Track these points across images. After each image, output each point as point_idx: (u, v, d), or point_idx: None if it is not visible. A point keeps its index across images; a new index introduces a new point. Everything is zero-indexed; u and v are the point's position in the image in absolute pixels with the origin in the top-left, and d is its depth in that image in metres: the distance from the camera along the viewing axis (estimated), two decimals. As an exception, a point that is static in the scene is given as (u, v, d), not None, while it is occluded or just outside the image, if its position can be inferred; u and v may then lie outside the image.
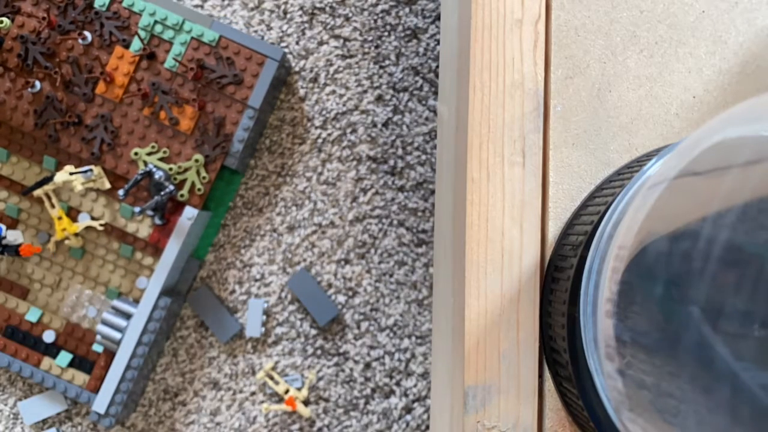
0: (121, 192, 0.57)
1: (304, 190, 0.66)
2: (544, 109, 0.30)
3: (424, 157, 0.67)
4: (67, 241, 0.61)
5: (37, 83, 0.60)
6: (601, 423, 0.26)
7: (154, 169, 0.58)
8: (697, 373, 0.20)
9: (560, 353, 0.27)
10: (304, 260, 0.66)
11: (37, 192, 0.60)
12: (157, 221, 0.60)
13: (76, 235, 0.61)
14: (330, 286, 0.66)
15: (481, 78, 0.30)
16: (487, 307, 0.29)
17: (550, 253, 0.30)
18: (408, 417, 0.67)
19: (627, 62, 0.31)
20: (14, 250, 0.60)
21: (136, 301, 0.62)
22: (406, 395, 0.67)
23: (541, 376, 0.30)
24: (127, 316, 0.60)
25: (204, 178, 0.61)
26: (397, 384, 0.66)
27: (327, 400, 0.67)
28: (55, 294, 0.63)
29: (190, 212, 0.60)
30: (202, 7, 0.67)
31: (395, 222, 0.67)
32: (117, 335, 0.60)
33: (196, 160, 0.60)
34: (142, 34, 0.61)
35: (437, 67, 0.67)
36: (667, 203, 0.23)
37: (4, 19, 0.58)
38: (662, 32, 0.31)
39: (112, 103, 0.61)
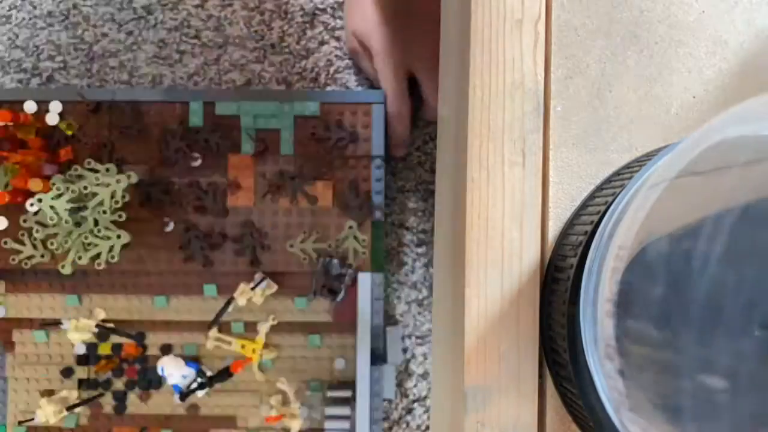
0: (310, 295, 0.58)
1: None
2: (544, 109, 0.30)
3: (424, 157, 0.67)
4: (266, 356, 0.60)
5: (171, 223, 0.60)
6: (601, 423, 0.26)
7: (328, 261, 0.58)
8: (697, 374, 0.20)
9: (560, 353, 0.27)
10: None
11: (210, 344, 0.60)
12: (337, 299, 0.60)
13: (266, 347, 0.61)
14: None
15: (481, 78, 0.30)
16: (487, 307, 0.29)
17: (550, 253, 0.30)
18: (408, 417, 0.67)
19: (627, 62, 0.31)
20: (225, 373, 0.60)
21: (342, 383, 0.60)
22: (406, 395, 0.67)
23: (541, 376, 0.30)
24: (345, 400, 0.59)
25: (363, 240, 0.60)
26: (398, 384, 0.66)
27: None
28: (261, 410, 0.61)
29: (365, 278, 0.59)
30: (202, 7, 0.67)
31: (395, 222, 0.67)
32: (346, 425, 0.59)
33: (350, 227, 0.60)
34: (248, 134, 0.60)
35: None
36: (667, 203, 0.23)
37: (130, 173, 0.57)
38: (662, 32, 0.31)
39: (248, 209, 0.60)
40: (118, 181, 0.55)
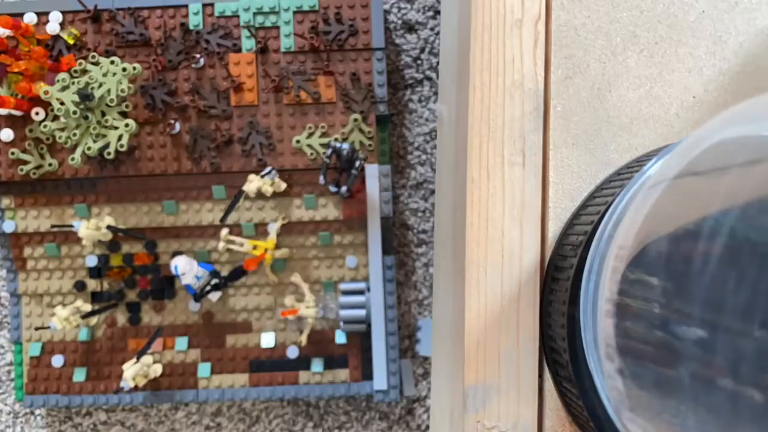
0: (321, 180, 0.57)
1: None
2: (544, 109, 0.30)
3: (424, 157, 0.67)
4: (278, 255, 0.60)
5: (176, 124, 0.60)
6: (601, 423, 0.26)
7: (339, 146, 0.57)
8: (697, 373, 0.20)
9: (560, 353, 0.27)
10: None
11: (221, 246, 0.59)
12: (344, 193, 0.59)
13: (277, 247, 0.60)
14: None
15: (481, 78, 0.30)
16: (487, 307, 0.29)
17: (550, 253, 0.30)
18: (408, 417, 0.67)
19: (627, 62, 0.31)
20: (239, 272, 0.59)
21: (355, 281, 0.61)
22: (407, 395, 0.67)
23: (541, 376, 0.30)
24: (360, 292, 0.59)
25: (369, 133, 0.60)
26: (395, 386, 0.66)
27: (329, 400, 0.67)
28: (276, 313, 0.61)
29: (372, 170, 0.59)
30: None
31: (396, 222, 0.67)
32: (361, 312, 0.58)
33: (355, 120, 0.60)
34: (248, 32, 0.60)
35: (437, 64, 0.67)
36: (667, 203, 0.23)
37: (136, 65, 0.57)
38: (662, 32, 0.31)
39: (251, 107, 0.60)
40: (124, 70, 0.55)
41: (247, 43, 0.60)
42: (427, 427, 0.66)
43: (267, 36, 0.60)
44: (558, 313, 0.28)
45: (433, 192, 0.67)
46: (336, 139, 0.59)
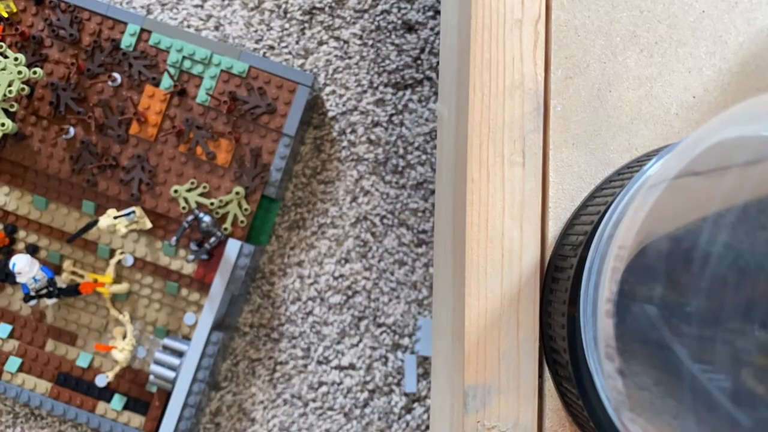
0: (173, 240, 0.58)
1: (304, 190, 0.66)
2: (544, 109, 0.30)
3: (424, 157, 0.67)
4: (115, 288, 0.61)
5: (71, 129, 0.60)
6: (601, 423, 0.26)
7: (201, 215, 0.58)
8: (697, 373, 0.20)
9: (560, 353, 0.27)
10: (302, 260, 0.66)
11: (64, 276, 0.59)
12: (203, 257, 0.60)
13: (116, 282, 0.61)
14: (329, 287, 0.66)
15: (481, 78, 0.30)
16: (487, 307, 0.29)
17: (550, 253, 0.30)
18: (408, 417, 0.67)
19: (627, 62, 0.31)
20: (74, 290, 0.59)
21: (186, 338, 0.61)
22: (406, 395, 0.67)
23: (541, 376, 0.30)
24: (179, 353, 0.60)
25: (246, 209, 0.60)
26: (397, 384, 0.66)
27: (328, 400, 0.67)
28: (103, 337, 0.62)
29: (234, 246, 0.59)
30: (202, 7, 0.67)
31: (395, 222, 0.67)
32: (171, 374, 0.59)
33: (237, 193, 0.60)
34: (171, 70, 0.60)
35: (438, 64, 0.67)
36: (667, 203, 0.23)
37: (37, 69, 0.57)
38: (662, 32, 0.31)
39: (146, 142, 0.61)
40: (20, 73, 0.56)
41: (167, 82, 0.60)
42: (427, 427, 0.66)
43: (189, 82, 0.61)
44: (558, 313, 0.28)
45: (433, 192, 0.67)
46: (212, 204, 0.60)
